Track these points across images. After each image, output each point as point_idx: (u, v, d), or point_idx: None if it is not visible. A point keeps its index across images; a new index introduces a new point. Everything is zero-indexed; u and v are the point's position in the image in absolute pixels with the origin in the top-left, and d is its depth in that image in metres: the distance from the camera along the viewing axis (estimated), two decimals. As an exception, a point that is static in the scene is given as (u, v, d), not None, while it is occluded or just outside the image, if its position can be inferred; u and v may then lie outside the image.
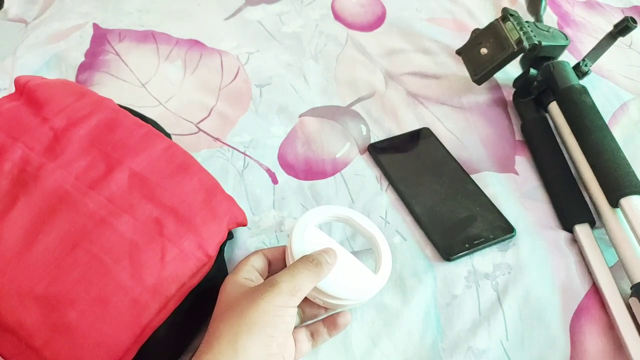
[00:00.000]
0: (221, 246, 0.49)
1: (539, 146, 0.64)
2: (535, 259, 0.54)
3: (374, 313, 0.50)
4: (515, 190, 0.61)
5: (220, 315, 0.41)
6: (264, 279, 0.44)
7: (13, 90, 0.55)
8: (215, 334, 0.39)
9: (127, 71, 0.71)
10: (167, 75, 0.71)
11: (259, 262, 0.46)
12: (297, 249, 0.45)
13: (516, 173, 0.63)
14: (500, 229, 0.56)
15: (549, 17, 0.84)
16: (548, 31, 0.68)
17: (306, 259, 0.43)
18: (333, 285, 0.44)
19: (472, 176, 0.61)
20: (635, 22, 0.66)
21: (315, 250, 0.45)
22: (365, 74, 0.73)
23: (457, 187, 0.60)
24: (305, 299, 0.44)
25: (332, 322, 0.46)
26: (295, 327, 0.45)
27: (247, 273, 0.44)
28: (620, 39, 0.70)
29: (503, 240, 0.55)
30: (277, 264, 0.47)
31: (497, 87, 0.73)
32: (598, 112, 0.62)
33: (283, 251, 0.47)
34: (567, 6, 0.87)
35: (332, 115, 0.68)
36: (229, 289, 0.43)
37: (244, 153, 0.63)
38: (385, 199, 0.59)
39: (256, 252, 0.47)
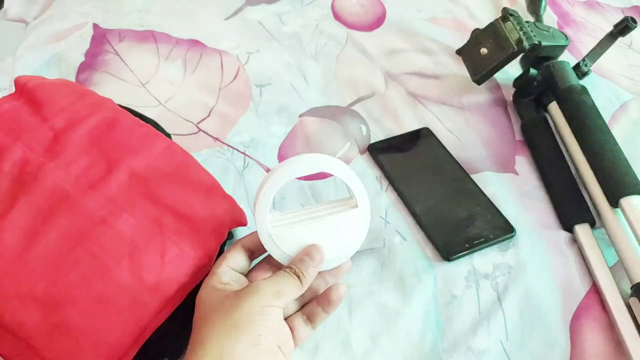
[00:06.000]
0: (221, 246, 0.49)
1: (538, 146, 0.64)
2: (535, 259, 0.54)
3: (374, 312, 0.50)
4: (515, 190, 0.61)
5: (200, 320, 0.40)
6: (246, 275, 0.44)
7: (13, 90, 0.55)
8: (199, 339, 0.38)
9: (127, 71, 0.71)
10: (167, 75, 0.71)
11: (237, 261, 0.44)
12: (277, 254, 0.44)
13: (516, 173, 0.63)
14: (500, 229, 0.56)
15: (549, 17, 0.84)
16: (548, 31, 0.68)
17: (286, 273, 0.42)
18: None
19: (472, 176, 0.61)
20: (635, 22, 0.66)
21: (296, 247, 0.43)
22: (365, 73, 0.73)
23: (457, 187, 0.60)
24: None
25: (325, 299, 0.44)
26: (290, 316, 0.44)
27: (224, 276, 0.42)
28: (620, 39, 0.70)
29: (503, 240, 0.55)
30: (261, 252, 0.45)
31: (497, 87, 0.73)
32: (598, 112, 0.62)
33: None
34: (567, 6, 0.87)
35: (332, 115, 0.68)
36: (207, 295, 0.41)
37: (244, 153, 0.63)
38: (385, 199, 0.59)
39: (233, 246, 0.44)
